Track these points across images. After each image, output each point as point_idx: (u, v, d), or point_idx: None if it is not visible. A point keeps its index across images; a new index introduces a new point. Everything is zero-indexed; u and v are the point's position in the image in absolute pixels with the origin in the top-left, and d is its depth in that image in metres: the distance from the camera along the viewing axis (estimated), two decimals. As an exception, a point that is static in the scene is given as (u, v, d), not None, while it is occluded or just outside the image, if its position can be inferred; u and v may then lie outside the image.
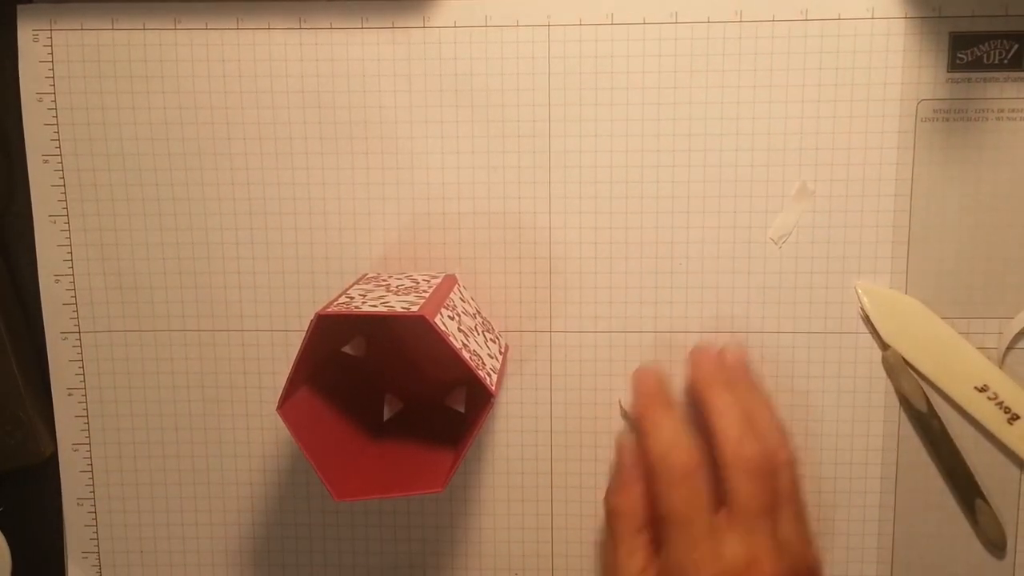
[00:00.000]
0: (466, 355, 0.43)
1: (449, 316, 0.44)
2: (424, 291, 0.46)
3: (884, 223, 0.51)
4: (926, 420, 0.52)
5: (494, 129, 0.52)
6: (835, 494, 0.54)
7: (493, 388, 0.44)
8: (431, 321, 0.41)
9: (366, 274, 0.52)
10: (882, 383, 0.53)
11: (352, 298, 0.44)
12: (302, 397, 0.46)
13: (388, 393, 0.53)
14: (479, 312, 0.51)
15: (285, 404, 0.43)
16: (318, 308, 0.53)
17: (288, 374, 0.43)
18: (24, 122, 0.53)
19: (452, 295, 0.47)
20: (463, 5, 0.51)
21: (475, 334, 0.47)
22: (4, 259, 0.54)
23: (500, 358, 0.49)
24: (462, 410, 0.52)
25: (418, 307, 0.42)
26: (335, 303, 0.43)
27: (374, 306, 0.42)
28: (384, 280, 0.49)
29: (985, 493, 0.52)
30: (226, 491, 0.56)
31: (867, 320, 0.52)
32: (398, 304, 0.43)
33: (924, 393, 0.52)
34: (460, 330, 0.45)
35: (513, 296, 0.53)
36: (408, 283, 0.48)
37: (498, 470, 0.55)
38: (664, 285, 0.52)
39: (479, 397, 0.50)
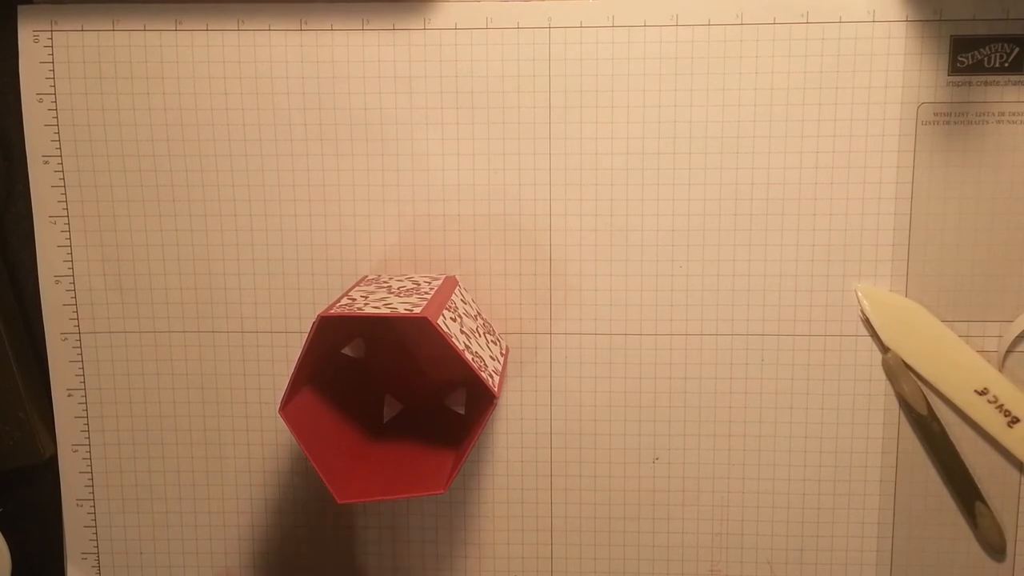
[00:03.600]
0: (468, 356, 0.43)
1: (451, 318, 0.44)
2: (425, 293, 0.46)
3: (885, 226, 0.51)
4: (926, 423, 0.52)
5: (494, 131, 0.52)
6: (835, 496, 0.54)
7: (496, 389, 0.44)
8: (433, 323, 0.41)
9: (366, 276, 0.52)
10: (882, 385, 0.53)
11: (354, 300, 0.44)
12: (303, 399, 0.46)
13: (388, 395, 0.53)
14: (480, 314, 0.51)
15: (287, 405, 0.43)
16: (318, 309, 0.53)
17: (290, 376, 0.43)
18: (24, 122, 0.52)
19: (453, 297, 0.47)
20: (464, 7, 0.51)
21: (477, 336, 0.47)
22: (4, 259, 0.54)
23: (502, 359, 0.49)
24: (462, 411, 0.52)
25: (420, 308, 0.42)
26: (337, 305, 0.43)
27: (376, 307, 0.42)
28: (385, 282, 0.49)
29: (985, 496, 0.52)
30: (225, 492, 0.56)
31: (867, 323, 0.52)
32: (400, 305, 0.43)
33: (924, 396, 0.52)
34: (462, 331, 0.45)
35: (513, 298, 0.53)
36: (409, 284, 0.48)
37: (498, 470, 0.55)
38: (664, 286, 0.53)
39: (479, 398, 0.50)
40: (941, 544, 0.54)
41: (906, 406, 0.52)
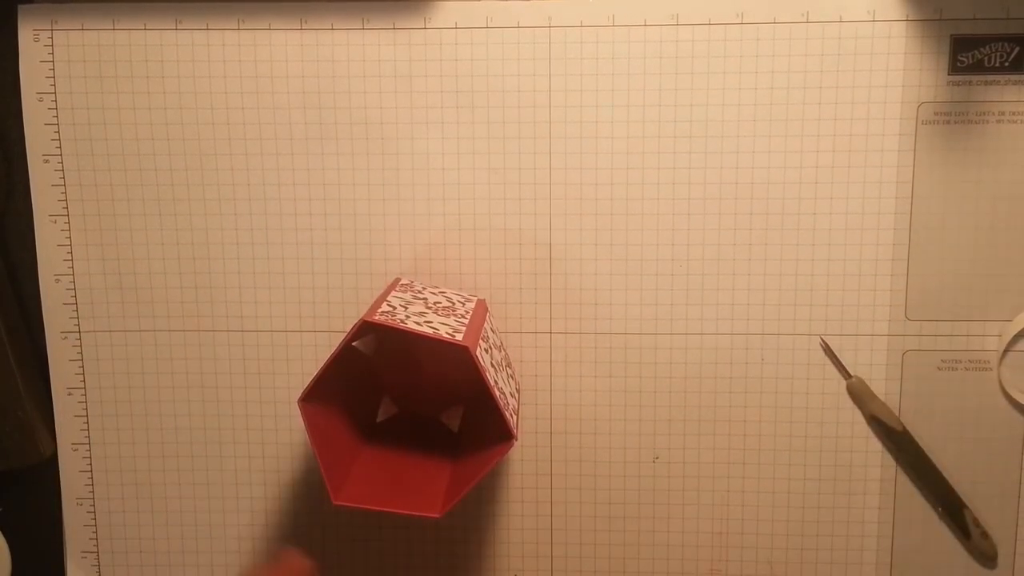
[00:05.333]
0: (496, 393, 0.43)
1: (485, 348, 0.44)
2: (462, 316, 0.45)
3: (885, 225, 0.51)
4: (901, 439, 0.52)
5: (495, 130, 0.52)
6: (835, 496, 0.54)
7: (515, 430, 0.44)
8: (474, 355, 0.41)
9: (399, 279, 0.51)
10: (883, 384, 0.52)
11: (394, 308, 0.44)
12: (317, 391, 0.45)
13: (386, 396, 0.53)
14: (503, 344, 0.51)
15: (306, 398, 0.43)
16: (317, 308, 0.53)
17: (319, 370, 0.42)
18: (24, 122, 0.52)
19: (486, 325, 0.47)
20: (464, 6, 0.51)
21: (501, 369, 0.47)
22: (4, 259, 0.54)
23: (518, 396, 0.49)
24: (455, 430, 0.52)
25: (462, 335, 0.42)
26: (377, 311, 0.43)
27: (418, 323, 0.42)
28: (420, 292, 0.48)
29: (970, 505, 0.52)
30: (225, 491, 0.56)
31: (828, 351, 0.52)
32: (441, 326, 0.43)
33: (897, 415, 0.52)
34: (492, 365, 0.44)
35: (513, 298, 0.53)
36: (444, 301, 0.48)
37: (498, 470, 0.55)
38: (664, 286, 0.52)
39: (476, 422, 0.50)
40: (941, 544, 0.54)
41: (879, 426, 0.52)
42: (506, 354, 0.51)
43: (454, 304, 0.47)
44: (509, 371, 0.49)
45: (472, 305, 0.49)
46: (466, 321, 0.45)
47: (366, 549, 0.56)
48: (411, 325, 0.42)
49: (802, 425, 0.53)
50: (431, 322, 0.43)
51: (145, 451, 0.56)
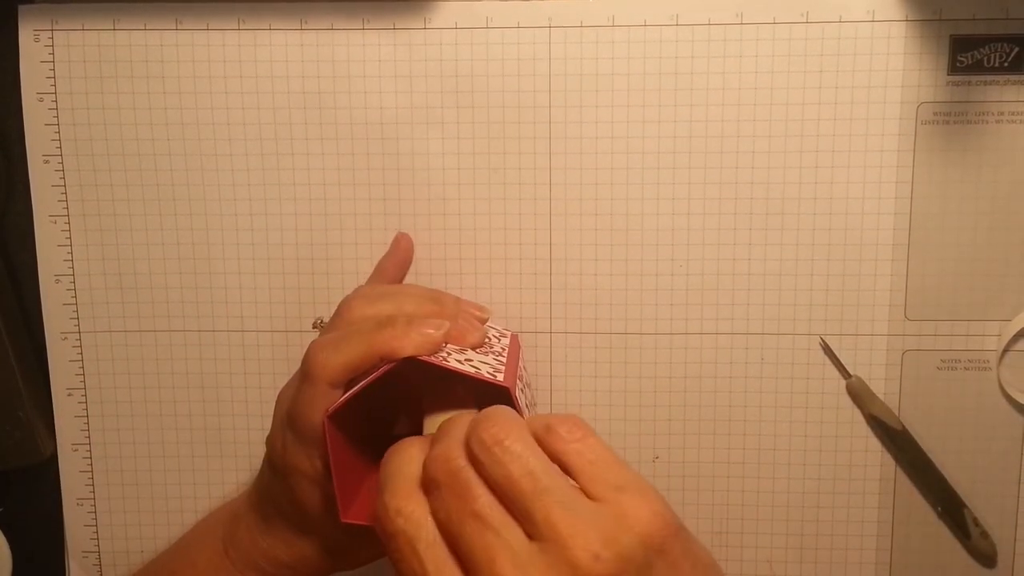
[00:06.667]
0: None
1: (520, 388, 0.44)
2: (499, 353, 0.45)
3: (884, 225, 0.51)
4: (900, 439, 0.52)
5: (494, 130, 0.52)
6: (835, 496, 0.54)
7: None
8: (513, 395, 0.41)
9: None
10: (882, 384, 0.53)
11: None
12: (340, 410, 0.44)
13: (401, 414, 0.52)
14: (531, 383, 0.51)
15: (333, 415, 0.41)
16: (318, 309, 0.53)
17: (352, 390, 0.41)
18: (25, 122, 0.52)
19: (520, 363, 0.47)
20: (464, 6, 0.51)
21: (532, 409, 0.46)
22: (4, 259, 0.54)
23: None
24: None
25: (502, 375, 0.42)
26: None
27: (459, 361, 0.42)
28: None
29: (970, 505, 0.52)
30: (226, 491, 0.56)
31: (828, 351, 0.52)
32: (482, 365, 0.42)
33: (896, 414, 0.52)
34: (527, 405, 0.44)
35: (513, 296, 0.53)
36: None
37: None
38: (664, 286, 0.53)
39: None
40: (941, 544, 0.54)
41: (879, 426, 0.52)
42: (532, 393, 0.50)
43: (490, 340, 0.47)
44: (536, 411, 0.49)
45: (507, 341, 0.48)
46: (504, 360, 0.44)
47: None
48: (453, 363, 0.41)
49: (802, 425, 0.53)
50: (471, 360, 0.43)
51: (145, 451, 0.56)
